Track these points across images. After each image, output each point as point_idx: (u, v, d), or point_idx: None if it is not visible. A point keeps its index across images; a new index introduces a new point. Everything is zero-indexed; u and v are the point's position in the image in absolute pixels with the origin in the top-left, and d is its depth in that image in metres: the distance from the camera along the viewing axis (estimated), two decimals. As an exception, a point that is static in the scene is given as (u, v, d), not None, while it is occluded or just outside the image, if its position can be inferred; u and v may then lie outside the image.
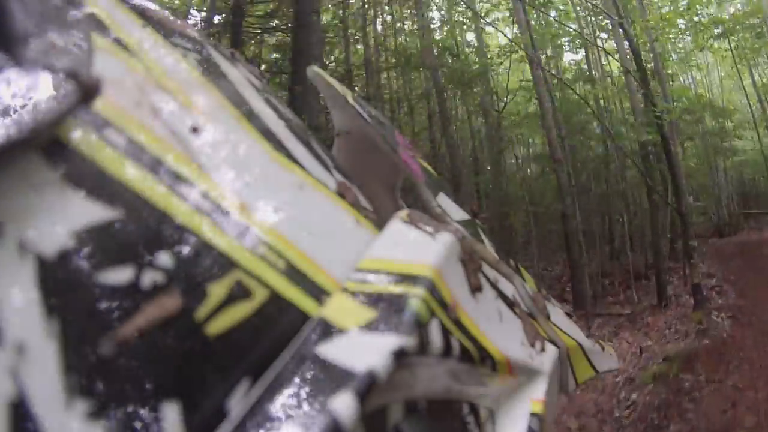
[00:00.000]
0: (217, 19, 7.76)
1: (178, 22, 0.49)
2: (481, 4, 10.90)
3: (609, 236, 11.38)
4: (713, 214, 14.35)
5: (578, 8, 10.59)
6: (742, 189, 17.92)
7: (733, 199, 14.82)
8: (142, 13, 0.43)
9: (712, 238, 13.00)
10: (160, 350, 0.29)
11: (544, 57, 10.10)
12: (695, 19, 10.53)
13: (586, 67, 11.39)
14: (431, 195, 0.69)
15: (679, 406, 4.26)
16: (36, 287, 0.27)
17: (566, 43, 10.57)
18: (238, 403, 0.31)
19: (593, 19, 11.38)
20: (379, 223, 0.47)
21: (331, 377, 0.32)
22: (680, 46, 13.03)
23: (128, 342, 0.28)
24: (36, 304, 0.26)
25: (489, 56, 10.97)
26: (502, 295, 0.57)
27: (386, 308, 0.37)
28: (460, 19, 11.43)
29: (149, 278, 0.30)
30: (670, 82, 12.37)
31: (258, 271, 0.34)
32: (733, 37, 12.68)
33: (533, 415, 0.54)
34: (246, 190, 0.37)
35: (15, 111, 0.27)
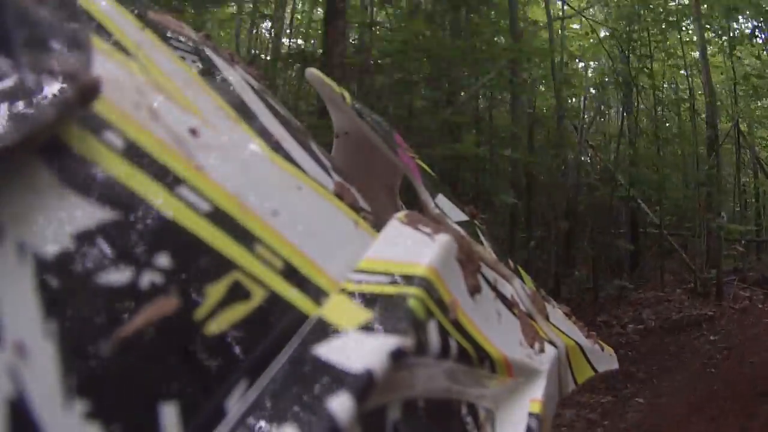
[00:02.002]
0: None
1: (177, 24, 0.49)
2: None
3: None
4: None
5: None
6: None
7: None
8: (140, 16, 0.43)
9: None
10: (158, 351, 0.29)
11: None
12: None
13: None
14: (430, 196, 0.69)
15: None
16: (35, 288, 0.27)
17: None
18: (236, 404, 0.31)
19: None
20: (378, 224, 0.48)
21: (329, 378, 0.32)
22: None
23: (127, 343, 0.28)
24: (35, 305, 0.27)
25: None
26: (501, 296, 0.58)
27: (384, 309, 0.37)
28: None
29: (148, 279, 0.30)
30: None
31: (256, 272, 0.34)
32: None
33: (532, 415, 0.54)
34: (244, 192, 0.37)
35: (14, 113, 0.27)
